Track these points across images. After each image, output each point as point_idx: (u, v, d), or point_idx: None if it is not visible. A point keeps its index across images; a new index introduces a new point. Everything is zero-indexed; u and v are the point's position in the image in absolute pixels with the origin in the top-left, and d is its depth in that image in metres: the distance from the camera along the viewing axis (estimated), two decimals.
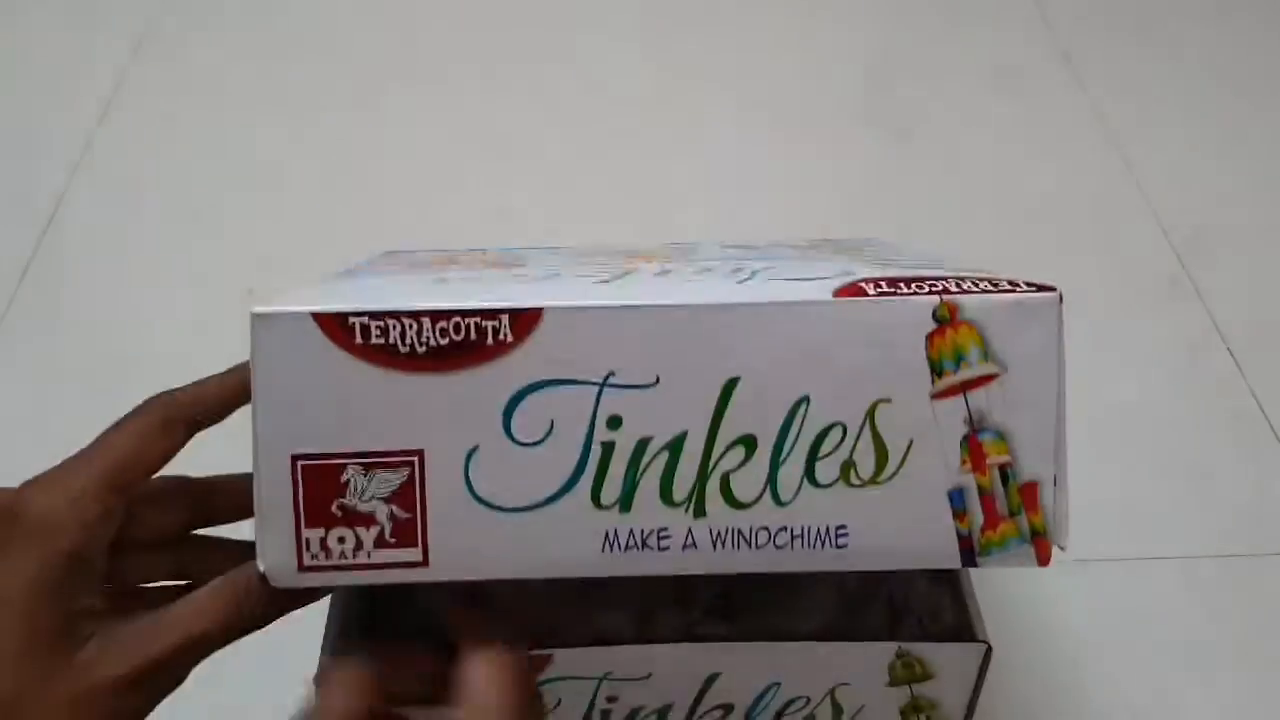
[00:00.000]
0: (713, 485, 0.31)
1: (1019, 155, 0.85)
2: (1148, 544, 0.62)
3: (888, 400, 0.32)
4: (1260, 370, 0.70)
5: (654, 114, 0.84)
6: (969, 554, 0.34)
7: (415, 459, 0.29)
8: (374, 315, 0.29)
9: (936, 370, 0.32)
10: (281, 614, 0.32)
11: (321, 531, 0.29)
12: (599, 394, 0.30)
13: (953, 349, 0.31)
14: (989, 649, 0.45)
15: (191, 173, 0.82)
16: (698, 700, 0.41)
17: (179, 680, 0.30)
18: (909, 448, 0.32)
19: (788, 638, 0.43)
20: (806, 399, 0.31)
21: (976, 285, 0.31)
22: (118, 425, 0.32)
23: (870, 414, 0.32)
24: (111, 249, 0.76)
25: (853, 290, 0.31)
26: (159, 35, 0.94)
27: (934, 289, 0.31)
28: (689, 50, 0.91)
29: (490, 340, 0.29)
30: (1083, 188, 0.83)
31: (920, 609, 0.47)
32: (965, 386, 0.32)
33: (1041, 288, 0.32)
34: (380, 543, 0.29)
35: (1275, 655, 0.57)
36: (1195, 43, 0.96)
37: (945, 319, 0.31)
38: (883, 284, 0.32)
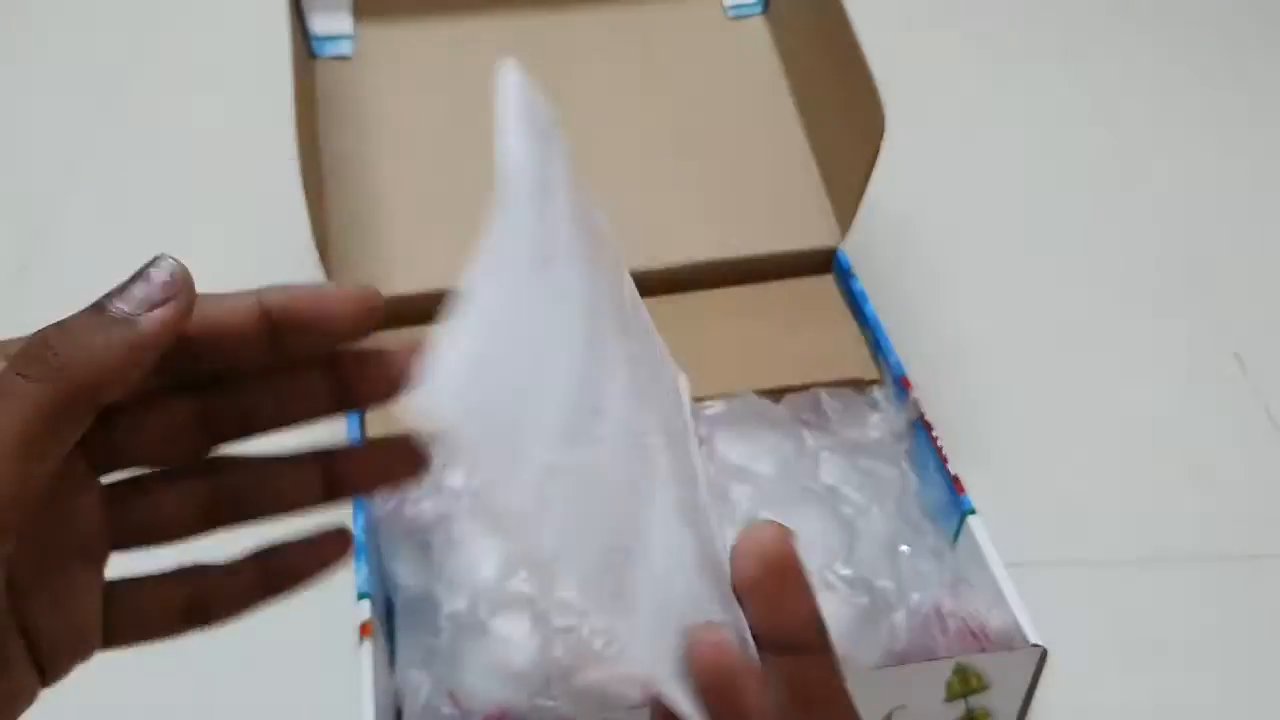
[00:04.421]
0: None
1: (1020, 153, 0.85)
2: (1150, 545, 0.61)
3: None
4: (1265, 370, 0.70)
5: None
6: None
7: None
8: None
9: None
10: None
11: None
12: None
13: None
14: (1044, 652, 0.45)
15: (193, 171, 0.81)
16: None
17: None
18: None
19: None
20: None
21: None
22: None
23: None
24: (109, 248, 0.76)
25: None
26: (158, 33, 0.94)
27: None
28: None
29: None
30: (1083, 186, 0.83)
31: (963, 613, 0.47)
32: None
33: None
34: None
35: (1275, 655, 0.57)
36: (1199, 41, 0.96)
37: None
38: None
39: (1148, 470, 0.65)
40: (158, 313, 0.23)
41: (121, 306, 0.23)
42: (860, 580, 0.49)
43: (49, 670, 0.24)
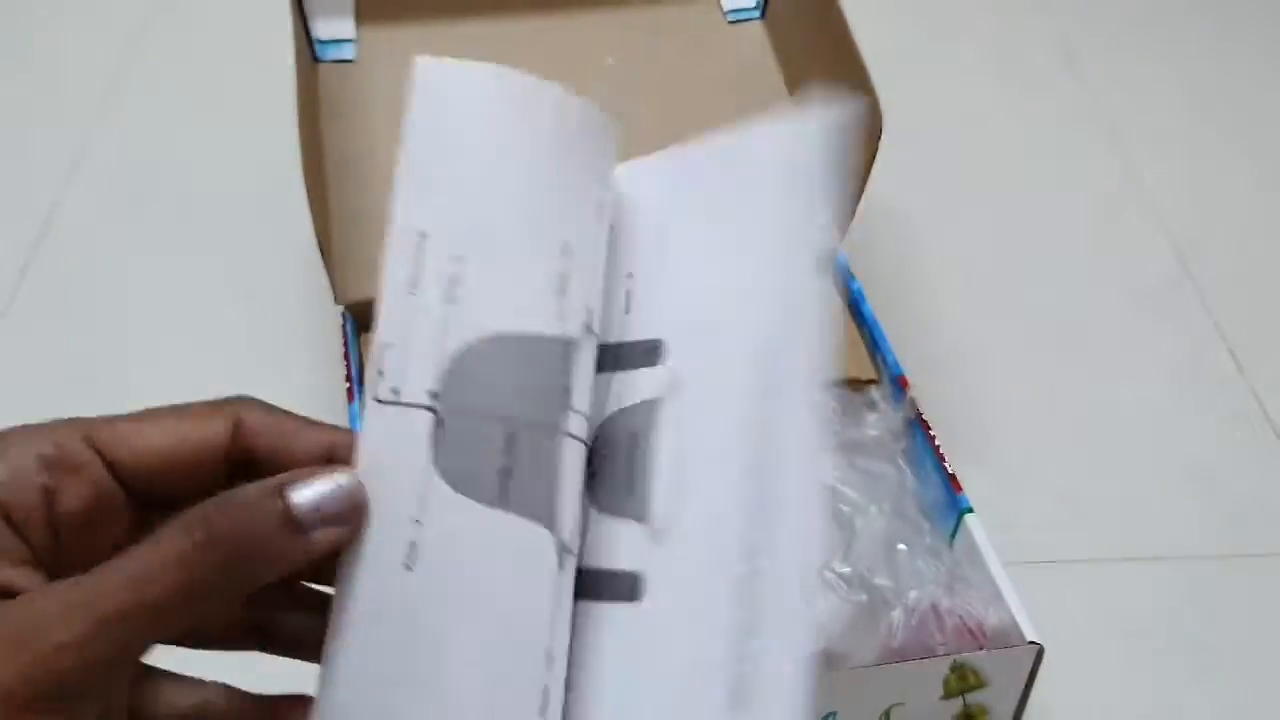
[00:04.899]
0: None
1: (1020, 153, 0.85)
2: (1148, 544, 0.62)
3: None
4: (1261, 370, 0.70)
5: None
6: None
7: None
8: None
9: None
10: (256, 581, 0.22)
11: None
12: None
13: None
14: (1041, 650, 0.45)
15: (190, 176, 0.82)
16: None
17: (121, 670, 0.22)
18: None
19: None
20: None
21: None
22: None
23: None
24: (110, 248, 0.76)
25: None
26: (155, 33, 0.94)
27: None
28: None
29: None
30: (1083, 187, 0.83)
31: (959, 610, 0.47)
32: None
33: None
34: None
35: (1276, 656, 0.57)
36: (1199, 41, 0.96)
37: None
38: None
39: (1146, 469, 0.65)
40: (332, 533, 0.22)
41: (301, 511, 0.22)
42: (858, 578, 0.49)
43: None
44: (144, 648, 0.22)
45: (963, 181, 0.82)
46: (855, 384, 0.59)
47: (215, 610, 0.23)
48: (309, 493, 0.22)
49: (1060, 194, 0.82)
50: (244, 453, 0.24)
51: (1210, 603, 0.59)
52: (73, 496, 0.22)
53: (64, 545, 0.23)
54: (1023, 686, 0.46)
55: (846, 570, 0.49)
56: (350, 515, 0.22)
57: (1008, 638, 0.46)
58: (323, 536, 0.22)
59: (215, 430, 0.24)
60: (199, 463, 0.24)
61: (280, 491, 0.22)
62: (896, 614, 0.47)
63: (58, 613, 0.20)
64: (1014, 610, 0.46)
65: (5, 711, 0.20)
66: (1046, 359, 0.70)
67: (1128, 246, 0.78)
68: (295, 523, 0.22)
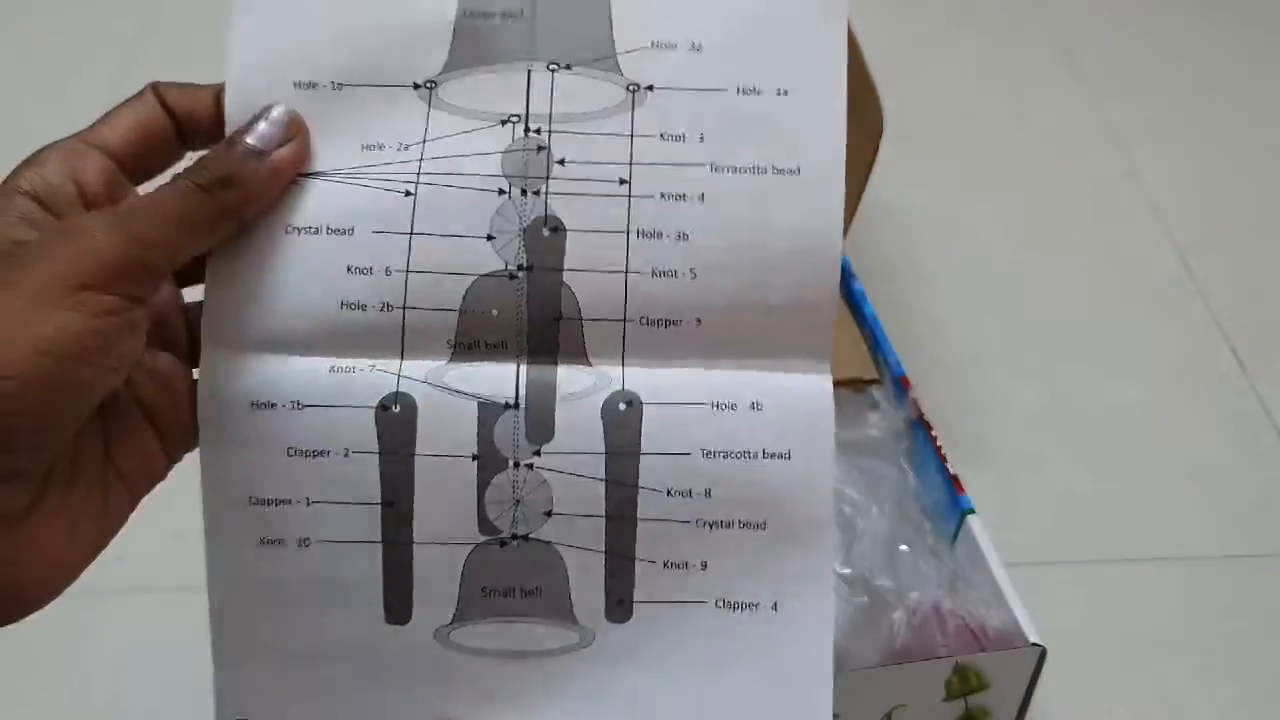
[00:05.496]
0: None
1: (1020, 153, 0.85)
2: (1149, 544, 0.62)
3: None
4: (1262, 370, 0.70)
5: None
6: None
7: None
8: None
9: None
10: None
11: None
12: None
13: None
14: (1043, 651, 0.45)
15: None
16: None
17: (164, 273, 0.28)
18: None
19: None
20: None
21: None
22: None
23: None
24: None
25: None
26: (155, 35, 0.94)
27: None
28: None
29: None
30: (1083, 187, 0.83)
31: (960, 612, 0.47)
32: None
33: None
34: None
35: (1276, 656, 0.57)
36: (1198, 41, 0.96)
37: None
38: None
39: (1147, 470, 0.65)
40: (286, 150, 0.29)
41: (257, 138, 0.29)
42: (860, 579, 0.49)
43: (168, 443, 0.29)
44: (168, 260, 0.27)
45: (963, 181, 0.82)
46: (857, 384, 0.59)
47: (214, 238, 0.29)
48: (256, 127, 0.29)
49: (1061, 194, 0.82)
50: (172, 117, 0.31)
51: (1211, 603, 0.59)
52: (90, 176, 0.29)
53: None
54: (1025, 688, 0.46)
55: (848, 571, 0.49)
56: (293, 129, 0.29)
57: (1010, 639, 0.46)
58: (280, 154, 0.29)
59: (156, 109, 0.31)
60: (160, 133, 0.30)
61: (235, 138, 0.29)
62: (898, 615, 0.47)
63: (103, 224, 0.26)
64: (1016, 611, 0.46)
65: (60, 293, 0.25)
66: (1049, 359, 0.70)
67: (1128, 246, 0.78)
68: (255, 151, 0.29)
